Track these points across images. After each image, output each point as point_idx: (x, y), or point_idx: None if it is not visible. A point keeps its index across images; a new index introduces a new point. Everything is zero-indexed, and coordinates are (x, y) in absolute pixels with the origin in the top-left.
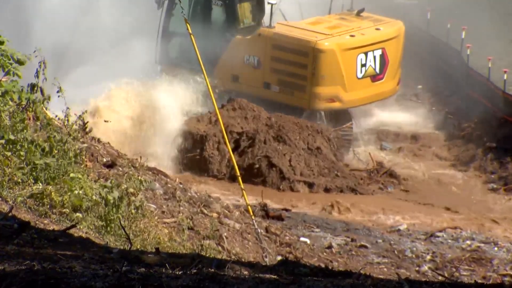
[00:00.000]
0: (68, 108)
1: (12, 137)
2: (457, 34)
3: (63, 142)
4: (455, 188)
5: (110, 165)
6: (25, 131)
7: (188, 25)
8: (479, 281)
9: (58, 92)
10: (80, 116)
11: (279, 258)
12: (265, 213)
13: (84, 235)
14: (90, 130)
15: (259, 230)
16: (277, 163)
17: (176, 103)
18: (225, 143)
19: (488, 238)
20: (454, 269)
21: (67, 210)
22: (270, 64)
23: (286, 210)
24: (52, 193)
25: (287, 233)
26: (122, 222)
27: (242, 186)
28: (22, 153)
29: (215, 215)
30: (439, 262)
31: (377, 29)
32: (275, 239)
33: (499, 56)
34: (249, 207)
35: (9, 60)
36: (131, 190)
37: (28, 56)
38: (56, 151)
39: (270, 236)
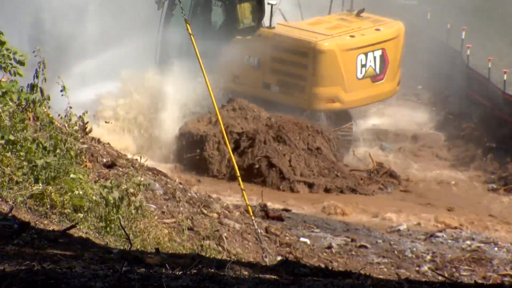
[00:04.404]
0: (70, 107)
1: (12, 137)
2: (457, 34)
3: (63, 142)
4: (455, 188)
5: (110, 166)
6: (25, 131)
7: (188, 25)
8: (479, 281)
9: (61, 91)
10: (80, 116)
11: (279, 258)
12: (265, 213)
13: (84, 236)
14: (90, 131)
15: (259, 231)
16: (277, 163)
17: (176, 103)
18: (225, 143)
19: (488, 238)
20: (454, 269)
21: (68, 210)
22: (270, 64)
23: (286, 210)
24: (52, 194)
25: (287, 234)
26: (122, 223)
27: (242, 187)
28: (22, 153)
29: (215, 215)
30: (439, 262)
31: (377, 29)
32: (275, 239)
33: (499, 56)
34: (249, 207)
35: (10, 60)
36: (131, 190)
37: (26, 54)
38: (58, 150)
39: (270, 236)
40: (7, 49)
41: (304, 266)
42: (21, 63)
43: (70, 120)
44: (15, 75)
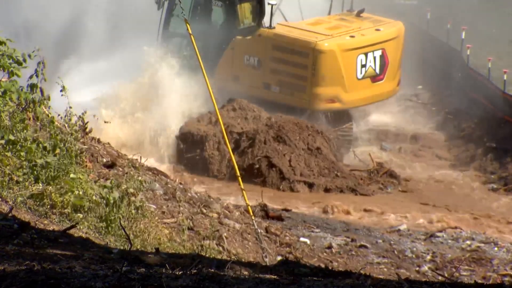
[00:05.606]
0: (70, 107)
1: (12, 137)
2: (457, 34)
3: (64, 142)
4: (455, 188)
5: (110, 166)
6: (25, 131)
7: (188, 25)
8: (479, 281)
9: (61, 91)
10: (80, 116)
11: (279, 258)
12: (265, 213)
13: (84, 235)
14: (90, 131)
15: (259, 230)
16: (277, 163)
17: (176, 103)
18: (225, 143)
19: (488, 238)
20: (454, 269)
21: (68, 210)
22: (270, 64)
23: (286, 210)
24: (52, 194)
25: (287, 233)
26: (122, 223)
27: (242, 186)
28: (22, 153)
29: (215, 215)
30: (439, 262)
31: (377, 29)
32: (275, 239)
33: (499, 56)
34: (249, 207)
35: (10, 60)
36: (131, 190)
37: (27, 54)
38: (58, 150)
39: (270, 236)
40: (5, 51)
41: (304, 266)
42: (19, 63)
43: (70, 120)
44: (13, 75)
